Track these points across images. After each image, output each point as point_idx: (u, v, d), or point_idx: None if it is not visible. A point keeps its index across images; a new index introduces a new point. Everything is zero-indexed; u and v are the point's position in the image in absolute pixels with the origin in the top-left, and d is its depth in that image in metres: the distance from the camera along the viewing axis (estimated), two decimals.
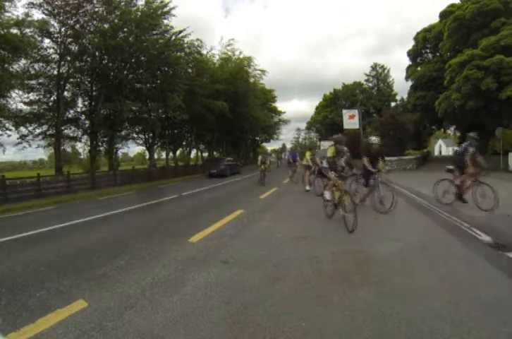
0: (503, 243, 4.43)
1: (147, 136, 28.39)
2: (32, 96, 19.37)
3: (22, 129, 19.09)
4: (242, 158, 45.01)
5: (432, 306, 2.78)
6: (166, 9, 21.66)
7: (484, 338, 2.32)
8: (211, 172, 22.55)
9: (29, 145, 19.68)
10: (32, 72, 18.84)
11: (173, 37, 23.23)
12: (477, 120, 22.94)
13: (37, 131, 19.83)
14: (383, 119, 29.22)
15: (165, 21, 22.10)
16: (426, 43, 30.85)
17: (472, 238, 4.81)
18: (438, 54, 29.42)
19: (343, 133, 35.39)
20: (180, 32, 23.26)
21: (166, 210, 9.25)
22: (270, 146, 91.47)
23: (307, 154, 11.85)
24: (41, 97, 19.77)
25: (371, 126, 39.43)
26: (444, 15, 25.80)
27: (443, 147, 60.91)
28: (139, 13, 20.80)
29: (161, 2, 21.54)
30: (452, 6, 25.42)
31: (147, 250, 4.75)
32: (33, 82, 19.08)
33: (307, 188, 11.37)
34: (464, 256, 4.05)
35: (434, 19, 28.50)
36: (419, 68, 31.38)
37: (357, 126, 27.82)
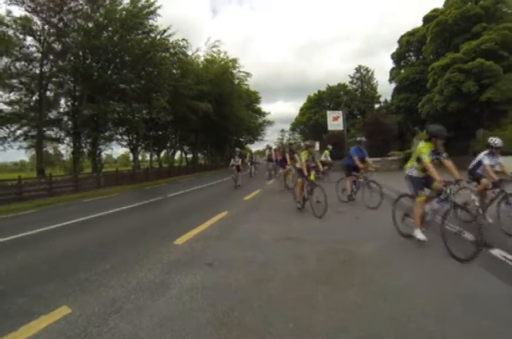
0: (488, 241, 4.50)
1: (131, 137, 28.07)
2: (13, 96, 18.94)
3: (4, 130, 18.64)
4: (226, 159, 44.97)
5: (416, 303, 2.84)
6: (151, 8, 21.50)
7: (467, 332, 2.38)
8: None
9: (11, 147, 19.24)
10: (14, 71, 18.39)
11: (158, 37, 23.06)
12: (459, 122, 23.52)
13: (19, 132, 19.38)
14: (367, 120, 29.63)
15: (150, 21, 21.96)
16: (409, 46, 31.45)
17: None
18: (421, 57, 30.00)
19: (326, 134, 35.80)
20: (165, 31, 23.11)
21: (150, 212, 9.15)
22: (255, 147, 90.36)
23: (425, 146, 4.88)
24: (23, 96, 19.34)
25: (355, 128, 39.92)
26: (428, 19, 26.38)
27: None
28: (124, 12, 20.56)
29: (147, 1, 21.36)
30: (435, 10, 26.03)
31: (132, 253, 4.70)
32: (14, 81, 18.64)
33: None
34: (448, 254, 4.13)
35: (419, 23, 29.04)
36: (402, 71, 31.95)
37: (341, 128, 28.12)
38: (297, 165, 7.93)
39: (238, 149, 14.68)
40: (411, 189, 4.86)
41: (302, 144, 10.41)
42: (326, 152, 16.42)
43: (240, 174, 13.75)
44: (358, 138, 8.71)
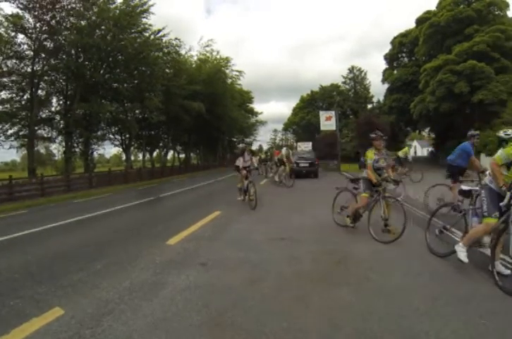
0: None
1: (123, 137, 27.89)
2: (4, 94, 18.69)
3: None
4: (219, 159, 44.96)
5: (411, 302, 2.86)
6: (144, 7, 21.40)
7: (461, 330, 2.39)
8: None
9: (1, 146, 18.99)
10: (5, 69, 18.15)
11: (152, 37, 22.97)
12: (451, 122, 23.83)
13: (10, 131, 19.12)
14: (360, 120, 29.82)
15: (144, 20, 21.86)
16: (402, 47, 31.78)
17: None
18: (413, 58, 30.33)
19: (319, 135, 35.62)
20: (159, 31, 23.04)
21: (143, 212, 9.12)
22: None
23: None
24: (14, 95, 19.08)
25: (348, 128, 40.16)
26: (420, 21, 26.66)
27: (418, 148, 62.78)
28: (117, 11, 20.42)
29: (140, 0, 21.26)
30: (428, 12, 26.31)
31: (125, 253, 4.67)
32: (5, 79, 18.38)
33: None
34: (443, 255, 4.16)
35: (411, 25, 29.32)
36: (395, 72, 32.28)
37: (333, 128, 28.28)
38: (365, 173, 5.42)
39: (246, 141, 10.05)
40: (483, 203, 3.47)
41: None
42: (406, 149, 13.56)
43: (253, 184, 8.80)
44: (471, 131, 6.49)
